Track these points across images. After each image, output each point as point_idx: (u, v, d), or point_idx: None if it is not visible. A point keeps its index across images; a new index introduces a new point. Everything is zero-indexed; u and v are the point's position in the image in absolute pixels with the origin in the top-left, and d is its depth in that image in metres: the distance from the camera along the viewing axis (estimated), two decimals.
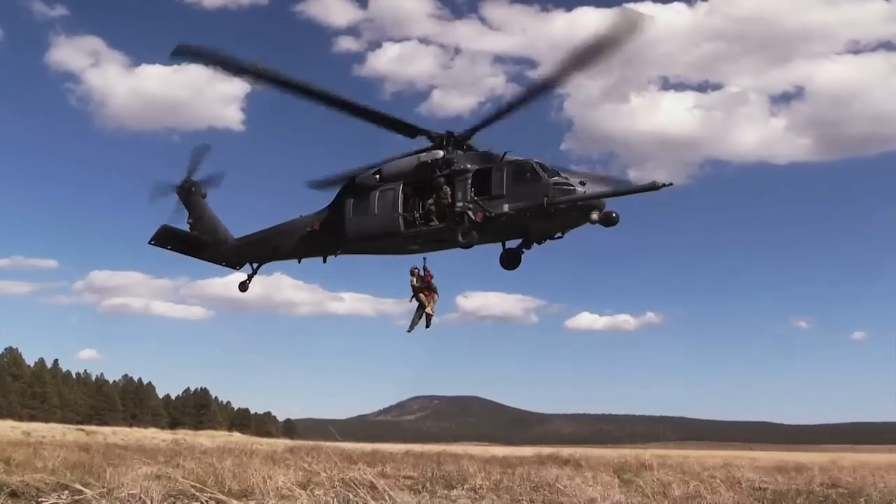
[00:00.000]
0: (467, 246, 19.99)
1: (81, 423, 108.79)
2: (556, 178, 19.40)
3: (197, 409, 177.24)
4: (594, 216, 18.81)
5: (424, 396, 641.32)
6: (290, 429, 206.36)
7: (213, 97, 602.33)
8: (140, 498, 12.89)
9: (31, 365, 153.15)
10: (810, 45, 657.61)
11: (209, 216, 26.78)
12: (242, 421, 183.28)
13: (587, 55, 18.79)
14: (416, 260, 21.81)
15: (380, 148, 22.33)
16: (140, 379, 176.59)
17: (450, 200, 20.18)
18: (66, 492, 13.85)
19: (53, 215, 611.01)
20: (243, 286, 25.58)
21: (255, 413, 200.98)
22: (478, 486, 17.70)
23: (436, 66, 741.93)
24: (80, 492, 12.40)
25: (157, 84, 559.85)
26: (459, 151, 20.84)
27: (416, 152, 21.62)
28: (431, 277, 21.31)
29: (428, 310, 20.98)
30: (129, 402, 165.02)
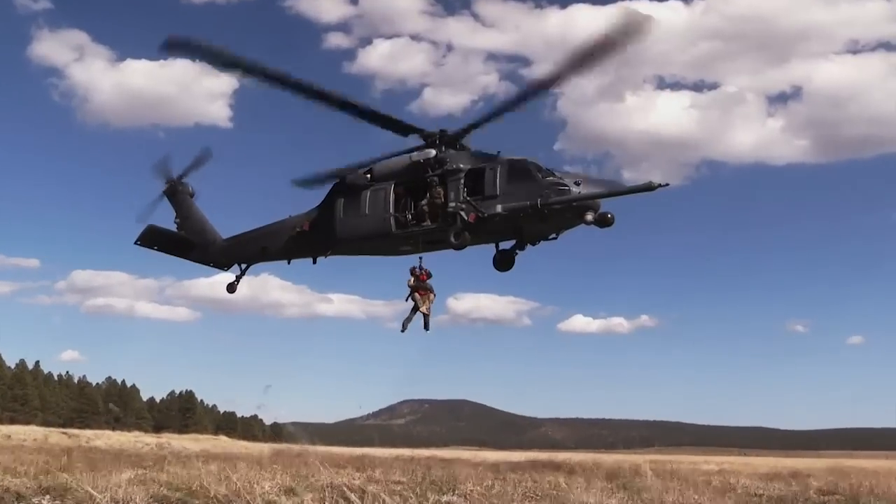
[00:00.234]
0: (460, 247, 19.99)
1: (63, 425, 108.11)
2: (550, 177, 19.44)
3: (182, 413, 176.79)
4: (589, 217, 18.85)
5: (414, 400, 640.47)
6: (278, 432, 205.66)
7: (199, 93, 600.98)
8: (124, 503, 12.86)
9: (12, 366, 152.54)
10: (808, 45, 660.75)
11: (197, 216, 26.70)
12: (228, 424, 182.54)
13: (588, 56, 18.82)
14: (409, 261, 21.80)
15: (370, 146, 22.44)
16: (124, 381, 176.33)
17: (442, 200, 20.20)
18: (48, 496, 13.80)
19: (35, 213, 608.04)
20: (231, 287, 25.51)
21: (242, 416, 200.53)
22: (468, 492, 17.69)
23: (427, 64, 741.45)
24: (63, 496, 12.36)
25: (142, 79, 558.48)
26: (452, 150, 20.88)
27: (408, 151, 21.65)
28: (427, 277, 21.18)
29: (423, 309, 20.86)
30: (113, 404, 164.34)
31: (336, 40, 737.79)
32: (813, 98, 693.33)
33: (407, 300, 21.16)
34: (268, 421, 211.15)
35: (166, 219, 26.81)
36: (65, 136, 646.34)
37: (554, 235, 20.64)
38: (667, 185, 18.59)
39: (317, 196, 23.14)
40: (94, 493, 13.43)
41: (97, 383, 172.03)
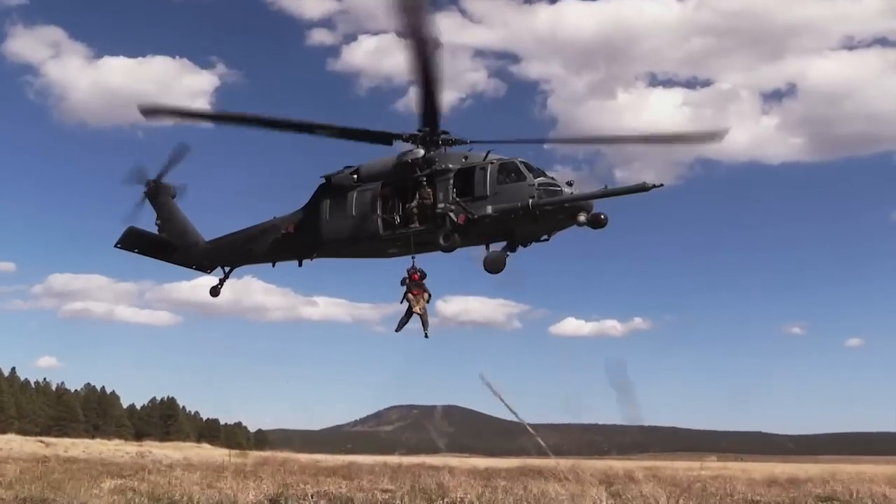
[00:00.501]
0: (449, 249, 20.01)
1: (40, 434, 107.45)
2: (541, 178, 19.51)
3: (163, 420, 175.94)
4: (582, 218, 18.92)
5: (403, 406, 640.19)
6: (262, 440, 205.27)
7: (180, 91, 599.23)
8: None
9: None
10: (803, 41, 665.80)
11: (179, 218, 26.62)
12: (211, 432, 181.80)
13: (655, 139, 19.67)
14: (397, 263, 21.75)
15: (355, 145, 22.43)
16: (103, 388, 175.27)
17: (431, 201, 20.23)
18: None
19: (10, 215, 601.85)
20: (215, 291, 25.45)
21: (225, 424, 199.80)
22: (458, 501, 17.69)
23: None
24: None
25: (120, 77, 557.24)
26: (441, 150, 20.89)
27: (385, 134, 21.65)
28: (420, 277, 20.95)
29: (416, 310, 20.71)
30: (92, 412, 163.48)
31: (320, 37, 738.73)
32: (808, 95, 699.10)
33: (402, 302, 21.06)
34: (252, 428, 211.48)
35: (147, 220, 26.80)
36: (41, 135, 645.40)
37: (546, 237, 20.67)
38: (661, 185, 18.69)
39: (303, 197, 23.19)
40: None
41: (75, 390, 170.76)
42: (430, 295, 20.96)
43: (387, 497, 17.82)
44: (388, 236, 21.06)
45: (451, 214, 19.79)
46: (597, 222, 19.06)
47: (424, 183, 20.49)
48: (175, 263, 26.32)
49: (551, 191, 19.25)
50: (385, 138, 21.37)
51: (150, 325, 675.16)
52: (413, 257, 21.15)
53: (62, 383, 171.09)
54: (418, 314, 20.81)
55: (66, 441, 78.08)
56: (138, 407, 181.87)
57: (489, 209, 19.57)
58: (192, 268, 26.16)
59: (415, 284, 20.90)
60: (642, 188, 18.69)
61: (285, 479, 22.09)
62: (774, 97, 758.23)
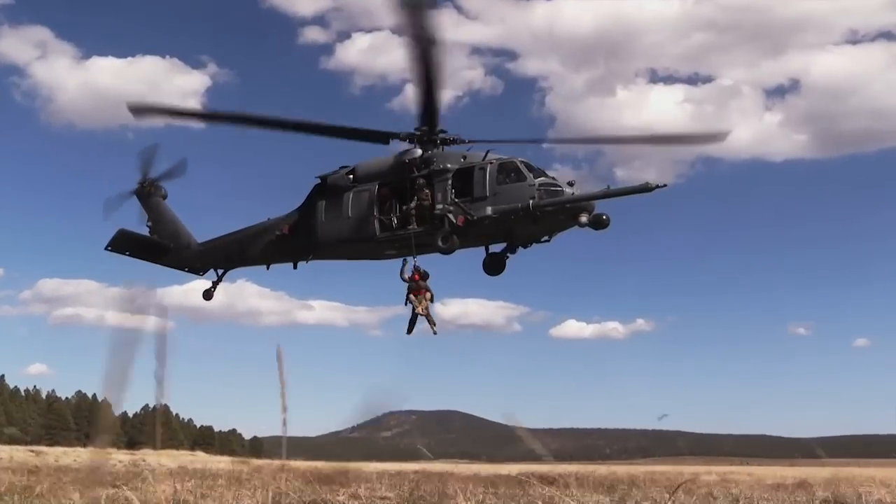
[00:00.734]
0: (448, 251, 20.00)
1: (31, 443, 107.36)
2: (542, 178, 19.52)
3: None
4: (583, 219, 18.93)
5: (401, 411, 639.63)
6: (257, 447, 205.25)
7: (170, 91, 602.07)
8: None
9: None
10: (806, 36, 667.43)
11: (170, 219, 26.61)
12: (206, 439, 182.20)
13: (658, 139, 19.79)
14: (395, 265, 21.70)
15: (351, 144, 22.47)
16: (94, 395, 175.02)
17: (429, 202, 20.23)
18: None
19: None
20: (208, 294, 25.45)
21: (220, 431, 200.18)
22: None
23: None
24: None
25: (109, 78, 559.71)
26: (439, 150, 20.89)
27: (382, 133, 21.67)
28: (421, 277, 20.84)
29: (418, 310, 20.65)
30: (83, 420, 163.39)
31: (313, 34, 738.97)
32: (811, 91, 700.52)
33: (406, 304, 20.96)
34: (247, 435, 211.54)
35: (130, 221, 26.76)
36: (28, 137, 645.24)
37: (546, 238, 20.69)
38: (664, 185, 18.73)
39: (297, 198, 23.21)
40: None
41: (66, 398, 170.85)
42: (432, 295, 20.88)
43: None
44: (385, 238, 21.05)
45: (450, 216, 19.80)
46: (599, 223, 19.05)
47: (422, 183, 20.49)
48: (166, 266, 26.25)
49: (552, 191, 19.25)
50: (382, 138, 21.41)
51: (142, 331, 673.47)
52: (414, 257, 21.08)
53: (53, 391, 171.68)
54: (421, 315, 20.74)
55: (58, 450, 77.93)
56: (131, 415, 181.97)
57: (489, 210, 19.57)
58: (184, 270, 26.13)
59: (416, 285, 20.83)
60: (645, 189, 18.69)
61: (280, 486, 22.04)
62: (777, 93, 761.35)
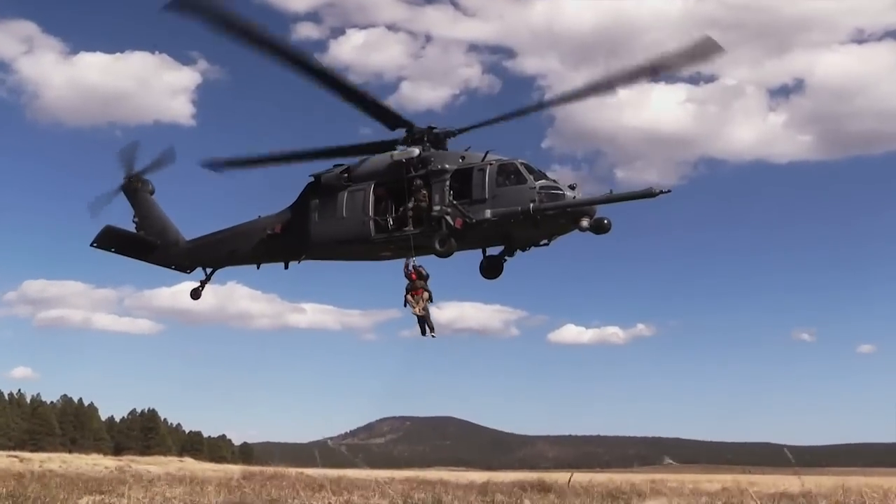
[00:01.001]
0: (445, 254, 19.95)
1: (14, 448, 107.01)
2: (543, 180, 19.47)
3: (144, 433, 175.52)
4: (585, 223, 18.87)
5: (395, 417, 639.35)
6: (248, 453, 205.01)
7: (159, 88, 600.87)
8: None
9: None
10: (811, 35, 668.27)
11: (157, 215, 26.53)
12: (194, 445, 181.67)
13: (642, 71, 19.51)
14: (390, 267, 21.64)
15: (342, 143, 22.48)
16: (80, 400, 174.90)
17: (426, 203, 20.16)
18: None
19: None
20: (195, 293, 25.40)
21: (209, 437, 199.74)
22: None
23: (405, 56, 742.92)
24: None
25: (97, 74, 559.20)
26: (437, 150, 20.86)
27: (384, 143, 21.65)
28: (418, 276, 20.63)
29: (415, 311, 20.49)
30: (69, 425, 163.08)
31: (306, 31, 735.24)
32: (816, 91, 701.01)
33: (405, 306, 20.77)
34: (237, 441, 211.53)
35: (118, 218, 26.72)
36: (14, 135, 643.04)
37: (546, 241, 20.64)
38: (669, 191, 18.70)
39: (289, 196, 23.21)
40: None
41: (52, 402, 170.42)
42: (430, 295, 20.70)
43: None
44: (380, 239, 20.99)
45: (448, 218, 19.73)
46: (600, 227, 18.98)
47: (419, 184, 20.42)
48: (153, 263, 26.17)
49: (553, 195, 19.19)
50: (393, 120, 21.20)
51: (130, 334, 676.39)
52: (412, 256, 20.78)
53: (37, 395, 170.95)
54: (418, 316, 20.56)
55: (42, 455, 77.75)
56: (117, 419, 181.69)
57: (488, 213, 19.49)
58: (170, 268, 26.05)
59: (413, 284, 20.63)
60: (649, 194, 18.65)
61: (271, 493, 22.03)
62: (782, 93, 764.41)
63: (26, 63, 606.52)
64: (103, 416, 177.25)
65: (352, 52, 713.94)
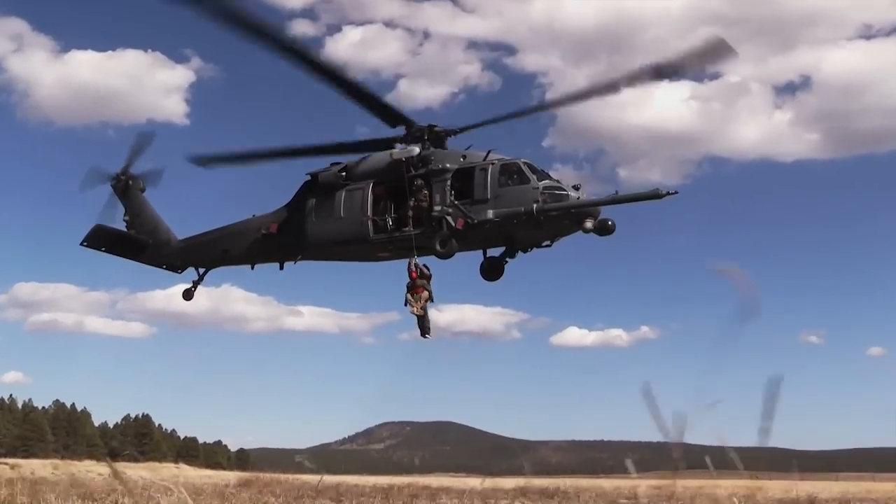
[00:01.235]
0: (446, 256, 19.94)
1: (6, 455, 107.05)
2: (546, 181, 19.48)
3: (138, 439, 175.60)
4: (589, 224, 18.87)
5: (394, 422, 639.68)
6: (244, 460, 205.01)
7: (152, 86, 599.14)
8: None
9: None
10: (817, 30, 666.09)
11: (148, 214, 26.51)
12: (190, 451, 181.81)
13: (652, 73, 19.52)
14: (388, 267, 21.63)
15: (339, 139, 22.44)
16: (73, 405, 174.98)
17: (427, 203, 20.14)
18: None
19: None
20: (188, 294, 25.40)
21: (204, 443, 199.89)
22: None
23: (402, 53, 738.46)
24: None
25: (88, 72, 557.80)
26: (438, 149, 20.82)
27: (383, 141, 21.59)
28: (419, 275, 20.61)
29: (413, 310, 20.46)
30: (61, 431, 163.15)
31: (301, 27, 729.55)
32: (823, 88, 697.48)
33: (405, 305, 20.73)
34: (233, 447, 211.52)
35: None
36: (3, 135, 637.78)
37: (548, 242, 20.63)
38: (675, 193, 18.68)
39: (284, 195, 23.21)
40: None
41: (43, 408, 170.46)
42: (430, 294, 20.67)
43: None
44: (378, 240, 20.97)
45: (449, 218, 19.73)
46: (604, 229, 18.97)
47: (420, 184, 20.41)
48: (144, 263, 26.17)
49: (557, 195, 19.19)
50: (393, 117, 21.24)
51: (123, 337, 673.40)
52: (414, 254, 20.74)
53: (29, 400, 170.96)
54: (415, 315, 20.51)
55: (34, 462, 77.74)
56: (111, 425, 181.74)
57: (490, 214, 19.49)
58: (161, 267, 26.04)
59: (413, 283, 20.58)
60: (655, 195, 18.66)
61: (269, 502, 22.00)
62: (787, 90, 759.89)
63: (16, 61, 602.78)
64: (96, 422, 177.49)
65: (348, 49, 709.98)
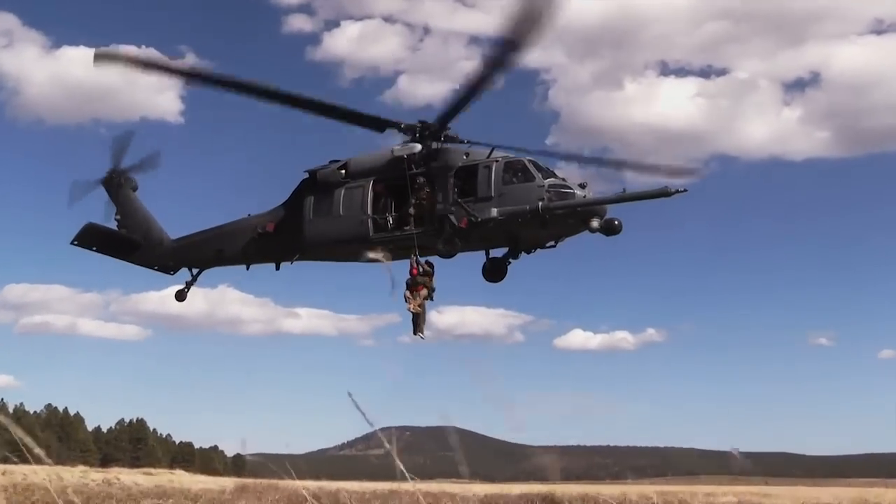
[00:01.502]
0: (448, 255, 19.86)
1: None
2: (551, 179, 19.38)
3: (132, 444, 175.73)
4: (595, 224, 18.76)
5: (395, 427, 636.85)
6: (240, 465, 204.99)
7: (146, 84, 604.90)
8: None
9: None
10: (827, 25, 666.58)
11: (141, 213, 26.44)
12: (185, 456, 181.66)
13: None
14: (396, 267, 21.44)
15: (343, 138, 22.36)
16: (66, 409, 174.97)
17: (429, 202, 20.04)
18: None
19: None
20: (181, 295, 25.31)
21: (200, 447, 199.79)
22: None
23: (402, 48, 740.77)
24: None
25: (81, 69, 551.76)
26: (440, 145, 20.70)
27: (386, 121, 21.35)
28: (419, 273, 20.43)
29: (410, 308, 20.26)
30: (54, 436, 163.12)
31: (298, 23, 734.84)
32: (833, 85, 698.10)
33: (406, 302, 20.48)
34: (229, 453, 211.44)
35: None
36: None
37: (553, 243, 20.54)
38: (685, 191, 18.59)
39: (281, 193, 23.12)
40: None
41: (35, 412, 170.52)
42: (430, 292, 20.46)
43: None
44: (379, 239, 20.82)
45: (452, 217, 19.61)
46: (610, 228, 18.87)
47: (422, 182, 20.30)
48: (136, 263, 26.06)
49: (563, 193, 19.07)
50: (377, 124, 21.16)
51: (117, 340, 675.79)
52: (415, 252, 20.48)
53: (20, 404, 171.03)
54: (412, 312, 20.29)
55: (26, 468, 77.70)
56: (105, 430, 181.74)
57: (494, 212, 19.37)
58: (153, 268, 25.93)
59: (413, 280, 20.39)
60: (664, 193, 18.56)
61: None
62: (797, 87, 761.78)
63: (6, 57, 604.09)
64: (90, 427, 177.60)
65: (347, 44, 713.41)
